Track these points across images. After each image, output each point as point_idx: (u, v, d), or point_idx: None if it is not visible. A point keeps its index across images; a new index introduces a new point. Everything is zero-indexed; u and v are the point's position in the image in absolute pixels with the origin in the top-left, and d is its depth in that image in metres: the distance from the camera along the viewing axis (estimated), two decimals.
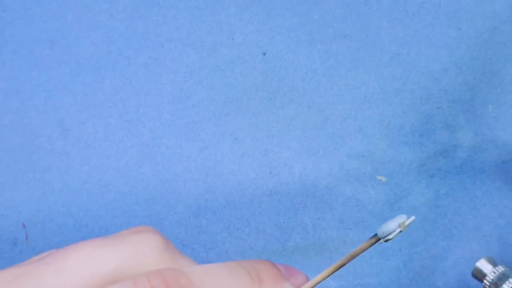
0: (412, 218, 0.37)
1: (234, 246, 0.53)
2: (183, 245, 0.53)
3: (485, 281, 0.45)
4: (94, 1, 0.54)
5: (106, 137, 0.54)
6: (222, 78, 0.54)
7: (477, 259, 0.51)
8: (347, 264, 0.52)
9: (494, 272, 0.45)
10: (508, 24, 0.52)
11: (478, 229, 0.52)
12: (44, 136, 0.54)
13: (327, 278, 0.40)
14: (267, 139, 0.53)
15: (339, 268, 0.40)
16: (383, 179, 0.52)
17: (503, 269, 0.45)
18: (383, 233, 0.38)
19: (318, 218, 0.53)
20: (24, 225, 0.54)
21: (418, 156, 0.52)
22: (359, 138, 0.53)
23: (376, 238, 0.38)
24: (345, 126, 0.53)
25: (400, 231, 0.37)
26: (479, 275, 0.45)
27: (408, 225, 0.37)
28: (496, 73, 0.52)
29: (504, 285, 0.44)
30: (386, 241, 0.38)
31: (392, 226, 0.38)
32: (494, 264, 0.45)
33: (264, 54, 0.54)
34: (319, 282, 0.40)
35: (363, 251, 0.39)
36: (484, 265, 0.45)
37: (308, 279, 0.42)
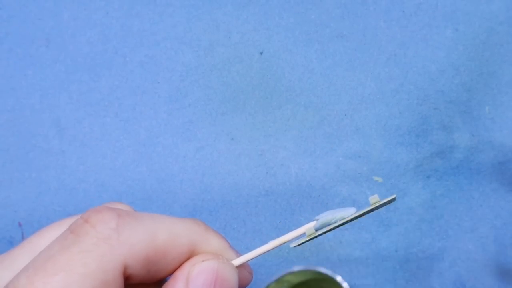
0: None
1: None
2: None
3: None
4: None
5: (102, 136, 0.54)
6: (219, 77, 0.54)
7: (474, 260, 0.51)
8: (344, 265, 0.52)
9: None
10: (505, 25, 0.52)
11: (475, 230, 0.52)
12: (40, 135, 0.54)
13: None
14: (264, 139, 0.53)
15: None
16: (380, 179, 0.52)
17: None
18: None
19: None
20: (20, 224, 0.54)
21: (414, 156, 0.52)
22: (355, 138, 0.53)
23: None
24: (341, 127, 0.53)
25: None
26: None
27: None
28: (493, 74, 0.52)
29: None
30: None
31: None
32: None
33: (261, 53, 0.54)
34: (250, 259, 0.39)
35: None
36: None
37: None
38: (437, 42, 0.52)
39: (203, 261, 0.37)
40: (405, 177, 0.52)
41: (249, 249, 0.52)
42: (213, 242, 0.39)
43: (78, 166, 0.54)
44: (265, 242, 0.53)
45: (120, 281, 0.34)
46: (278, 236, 0.53)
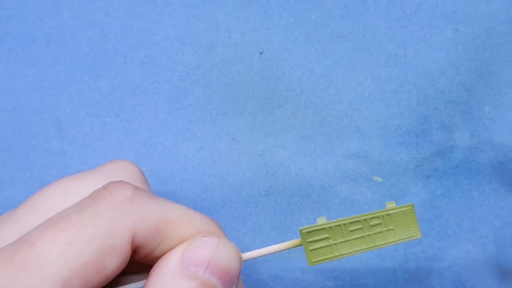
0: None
1: None
2: None
3: None
4: None
5: (103, 136, 0.54)
6: (219, 77, 0.54)
7: (474, 260, 0.51)
8: (344, 265, 0.52)
9: None
10: (504, 25, 0.52)
11: (474, 230, 0.52)
12: (41, 135, 0.54)
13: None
14: (264, 139, 0.53)
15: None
16: (379, 179, 0.53)
17: None
18: None
19: (314, 218, 0.53)
20: None
21: (414, 156, 0.52)
22: (355, 138, 0.53)
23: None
24: (341, 126, 0.53)
25: None
26: None
27: None
28: (492, 74, 0.52)
29: None
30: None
31: None
32: None
33: (261, 53, 0.54)
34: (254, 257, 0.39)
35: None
36: None
37: None
38: (437, 42, 0.52)
39: (203, 236, 0.37)
40: (405, 177, 0.52)
41: (249, 249, 0.53)
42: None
43: (79, 166, 0.54)
44: (265, 241, 0.53)
45: (127, 249, 0.35)
46: (278, 235, 0.53)
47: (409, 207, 0.39)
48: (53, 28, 0.55)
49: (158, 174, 0.53)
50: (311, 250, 0.39)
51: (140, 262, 0.37)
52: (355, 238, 0.39)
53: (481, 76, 0.52)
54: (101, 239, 0.33)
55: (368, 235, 0.39)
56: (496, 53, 0.52)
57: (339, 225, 0.38)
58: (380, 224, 0.39)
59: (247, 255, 0.39)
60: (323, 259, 0.39)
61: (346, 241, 0.39)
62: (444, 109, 0.52)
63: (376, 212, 0.38)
